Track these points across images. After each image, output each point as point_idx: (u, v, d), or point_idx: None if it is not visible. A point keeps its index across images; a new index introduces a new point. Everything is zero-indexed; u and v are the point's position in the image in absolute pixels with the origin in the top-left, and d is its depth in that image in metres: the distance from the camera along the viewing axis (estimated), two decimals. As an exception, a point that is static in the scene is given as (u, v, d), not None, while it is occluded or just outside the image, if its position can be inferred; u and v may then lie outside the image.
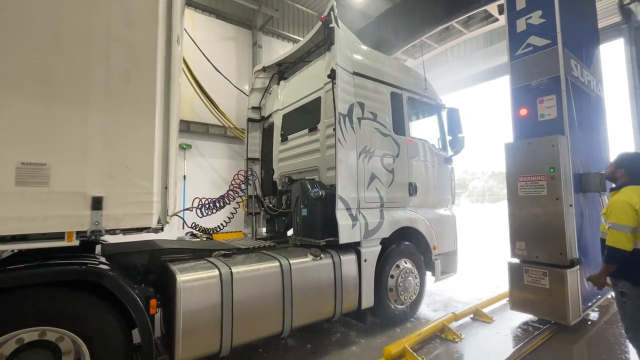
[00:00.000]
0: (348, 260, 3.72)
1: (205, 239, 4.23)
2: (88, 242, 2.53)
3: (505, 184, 4.51)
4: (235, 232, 4.90)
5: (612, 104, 5.62)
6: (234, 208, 4.37)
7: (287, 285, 3.18)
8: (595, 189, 4.36)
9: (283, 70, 5.58)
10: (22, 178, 2.03)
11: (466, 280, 6.41)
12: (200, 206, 4.09)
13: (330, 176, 4.04)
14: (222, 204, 4.17)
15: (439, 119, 5.29)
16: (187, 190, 8.15)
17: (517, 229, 4.36)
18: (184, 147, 8.31)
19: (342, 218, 3.63)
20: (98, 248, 2.87)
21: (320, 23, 4.18)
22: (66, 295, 2.21)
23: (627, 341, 3.09)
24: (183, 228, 5.22)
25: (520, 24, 4.60)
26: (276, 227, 5.06)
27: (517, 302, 4.33)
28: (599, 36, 5.73)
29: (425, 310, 4.88)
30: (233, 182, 4.39)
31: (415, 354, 3.27)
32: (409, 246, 4.41)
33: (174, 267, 2.75)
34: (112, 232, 2.37)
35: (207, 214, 4.14)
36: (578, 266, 4.02)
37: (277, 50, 10.27)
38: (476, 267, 7.61)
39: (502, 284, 5.81)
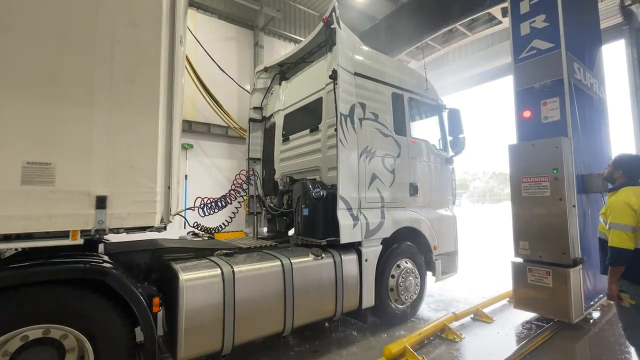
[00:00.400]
0: (349, 260, 3.74)
1: (207, 238, 4.25)
2: (91, 241, 2.55)
3: (509, 184, 4.54)
4: (237, 231, 4.92)
5: (612, 104, 5.64)
6: (236, 208, 4.39)
7: (288, 285, 3.20)
8: (597, 190, 4.41)
9: (285, 70, 5.60)
10: (28, 177, 2.05)
11: (467, 280, 6.42)
12: (202, 206, 4.11)
13: (331, 176, 4.05)
14: (223, 204, 4.19)
15: (439, 120, 5.30)
16: (189, 189, 8.17)
17: (521, 229, 4.41)
18: (185, 147, 8.33)
19: (343, 218, 3.65)
20: (101, 247, 2.89)
21: (321, 24, 4.20)
22: (70, 294, 2.23)
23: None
24: (185, 227, 5.25)
25: (524, 28, 4.64)
26: (277, 226, 5.09)
27: (521, 300, 4.37)
28: (601, 38, 5.76)
29: (425, 310, 4.89)
30: (235, 182, 4.41)
31: (415, 353, 3.29)
32: (409, 246, 4.43)
33: (177, 266, 2.76)
34: (115, 230, 2.39)
35: (209, 214, 4.15)
36: (581, 265, 4.07)
37: (279, 50, 10.29)
38: (477, 268, 7.62)
39: (503, 284, 5.84)
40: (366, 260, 3.86)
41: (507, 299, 5.10)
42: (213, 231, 4.43)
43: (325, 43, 4.41)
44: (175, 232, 5.11)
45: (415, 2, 8.21)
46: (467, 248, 8.06)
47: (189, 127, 8.46)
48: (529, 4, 4.61)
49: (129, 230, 2.49)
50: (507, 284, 5.43)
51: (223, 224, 4.45)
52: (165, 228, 2.69)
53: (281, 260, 3.25)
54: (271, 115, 5.58)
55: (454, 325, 4.08)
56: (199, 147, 8.76)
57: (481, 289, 5.92)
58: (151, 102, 2.49)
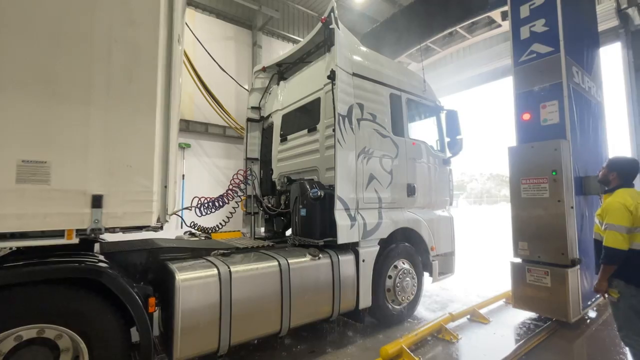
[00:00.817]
0: (346, 261, 3.74)
1: (203, 238, 4.23)
2: (87, 241, 2.53)
3: (506, 186, 4.57)
4: (234, 231, 4.89)
5: (609, 106, 5.69)
6: (233, 207, 4.37)
7: (285, 285, 3.19)
8: (595, 192, 4.47)
9: (283, 70, 5.59)
10: (23, 176, 2.04)
11: (464, 281, 6.44)
12: (199, 205, 4.09)
13: (329, 176, 4.05)
14: (221, 204, 4.18)
15: (437, 121, 5.31)
16: (186, 189, 8.15)
17: (520, 230, 4.46)
18: (183, 147, 8.31)
19: (341, 218, 3.65)
20: (97, 246, 2.87)
21: (320, 24, 4.20)
22: (65, 293, 2.21)
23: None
24: (182, 227, 5.22)
25: (524, 32, 4.69)
26: (275, 227, 5.08)
27: (520, 300, 4.41)
28: (599, 42, 5.83)
29: (422, 310, 4.90)
30: (232, 182, 4.39)
31: (412, 354, 3.29)
32: (407, 247, 4.43)
33: (173, 266, 2.75)
34: (112, 230, 2.38)
35: (206, 213, 4.14)
36: (579, 266, 4.12)
37: (277, 50, 10.28)
38: (474, 268, 7.64)
39: (500, 285, 5.86)
40: (363, 260, 3.86)
41: (504, 299, 5.12)
42: (210, 231, 4.42)
43: (323, 43, 4.41)
44: (172, 231, 5.08)
45: (417, 6, 8.26)
46: (464, 249, 8.07)
47: (187, 126, 8.44)
48: (529, 8, 4.66)
49: (125, 229, 2.47)
50: (504, 285, 5.46)
51: (220, 223, 4.44)
52: (161, 228, 2.67)
53: (278, 261, 3.24)
54: (269, 115, 5.57)
55: (451, 326, 4.08)
56: (197, 146, 8.74)
57: (478, 290, 5.94)
58: (148, 101, 2.47)
